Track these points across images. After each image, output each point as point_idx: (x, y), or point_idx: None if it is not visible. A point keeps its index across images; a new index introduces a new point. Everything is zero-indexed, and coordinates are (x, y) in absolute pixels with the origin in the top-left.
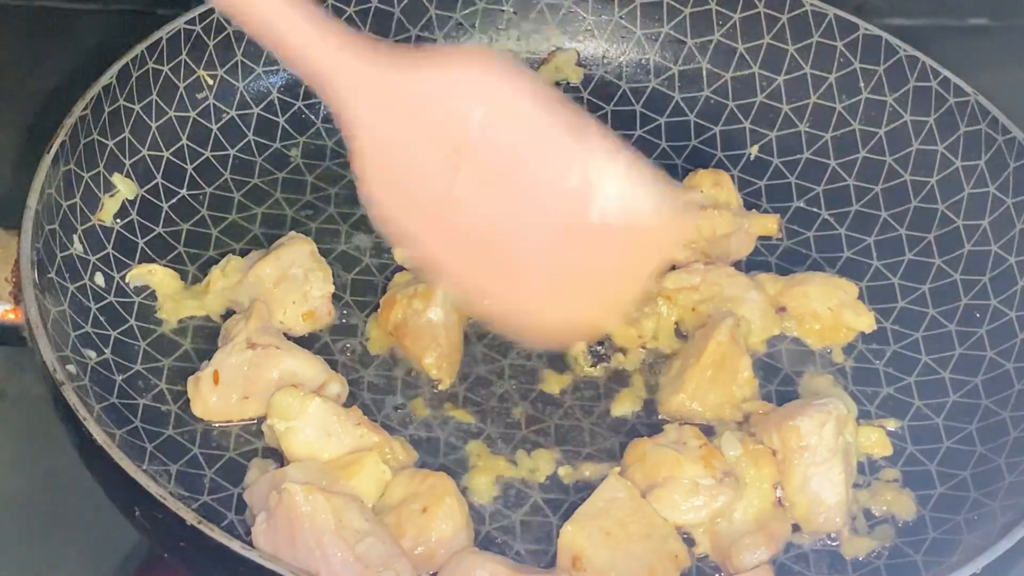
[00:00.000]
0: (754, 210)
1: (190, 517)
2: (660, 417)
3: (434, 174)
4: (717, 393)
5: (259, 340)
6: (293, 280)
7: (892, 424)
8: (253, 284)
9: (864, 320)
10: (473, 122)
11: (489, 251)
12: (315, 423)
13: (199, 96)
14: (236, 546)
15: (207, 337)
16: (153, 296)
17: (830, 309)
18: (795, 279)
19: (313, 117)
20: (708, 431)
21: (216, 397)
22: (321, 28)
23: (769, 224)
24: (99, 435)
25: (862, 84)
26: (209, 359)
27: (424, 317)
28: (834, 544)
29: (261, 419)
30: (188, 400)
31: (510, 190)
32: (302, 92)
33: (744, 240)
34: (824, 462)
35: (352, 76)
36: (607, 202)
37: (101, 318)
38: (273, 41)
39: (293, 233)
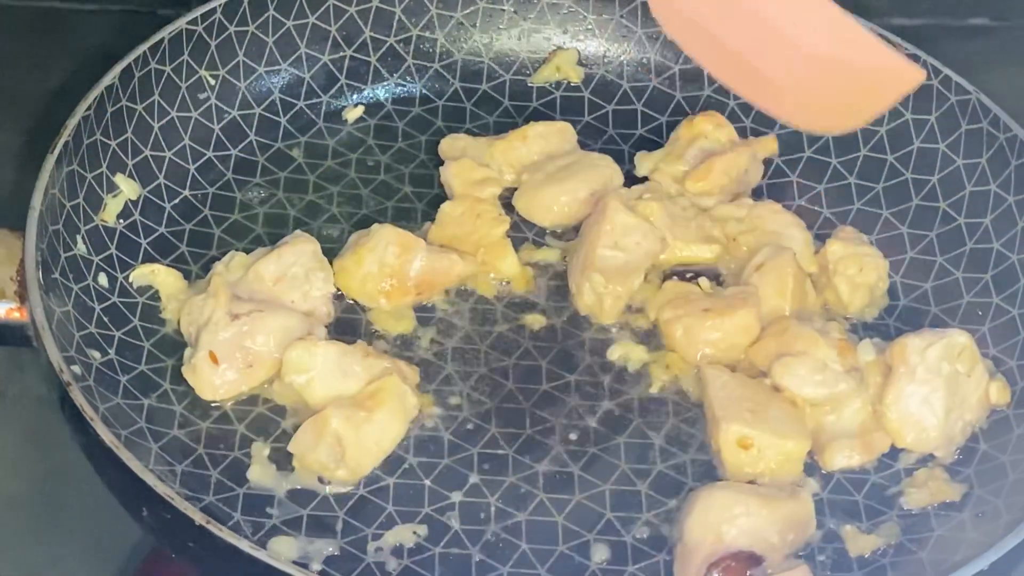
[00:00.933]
0: (750, 136)
1: (198, 517)
2: None
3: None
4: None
5: (239, 309)
6: (293, 279)
7: None
8: (253, 280)
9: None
10: None
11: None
12: (329, 366)
13: (201, 96)
14: (245, 546)
15: None
16: (156, 296)
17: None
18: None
19: (315, 117)
20: None
21: (221, 376)
22: None
23: (769, 144)
24: (106, 436)
25: None
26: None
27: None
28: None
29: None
30: (192, 401)
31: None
32: (303, 92)
33: (756, 167)
34: (924, 383)
35: None
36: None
37: (105, 319)
38: None
39: (298, 232)
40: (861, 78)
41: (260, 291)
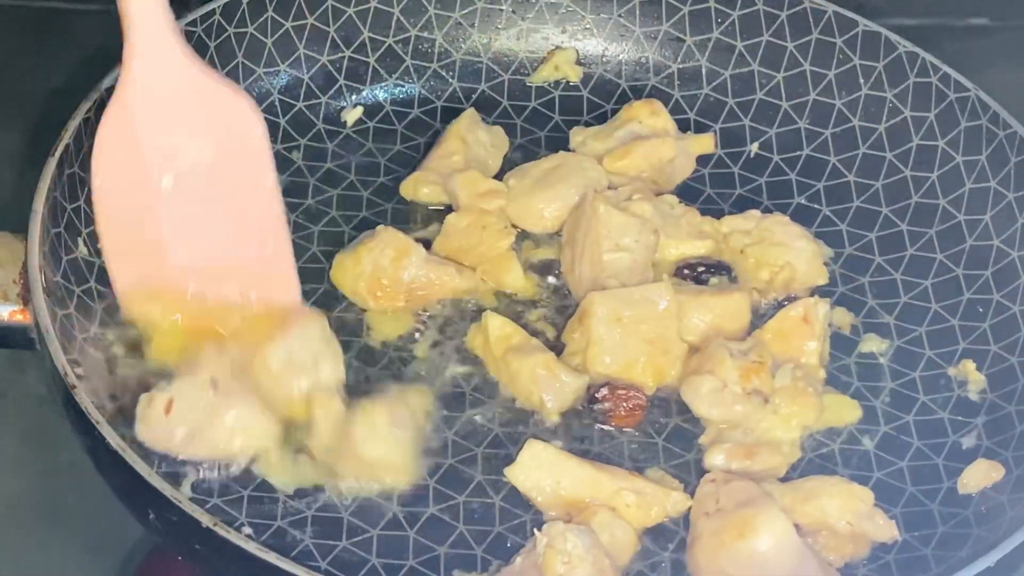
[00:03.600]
0: (689, 132)
1: (206, 520)
2: None
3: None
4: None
5: (223, 384)
6: (301, 366)
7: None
8: (259, 367)
9: (886, 530)
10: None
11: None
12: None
13: None
14: (252, 548)
15: None
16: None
17: (848, 523)
18: (807, 490)
19: (314, 119)
20: None
21: (163, 427)
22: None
23: (705, 142)
24: (113, 438)
25: (862, 80)
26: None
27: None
28: None
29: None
30: None
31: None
32: (302, 93)
33: (685, 162)
34: None
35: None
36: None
37: (108, 321)
38: None
39: (305, 309)
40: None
41: (261, 378)
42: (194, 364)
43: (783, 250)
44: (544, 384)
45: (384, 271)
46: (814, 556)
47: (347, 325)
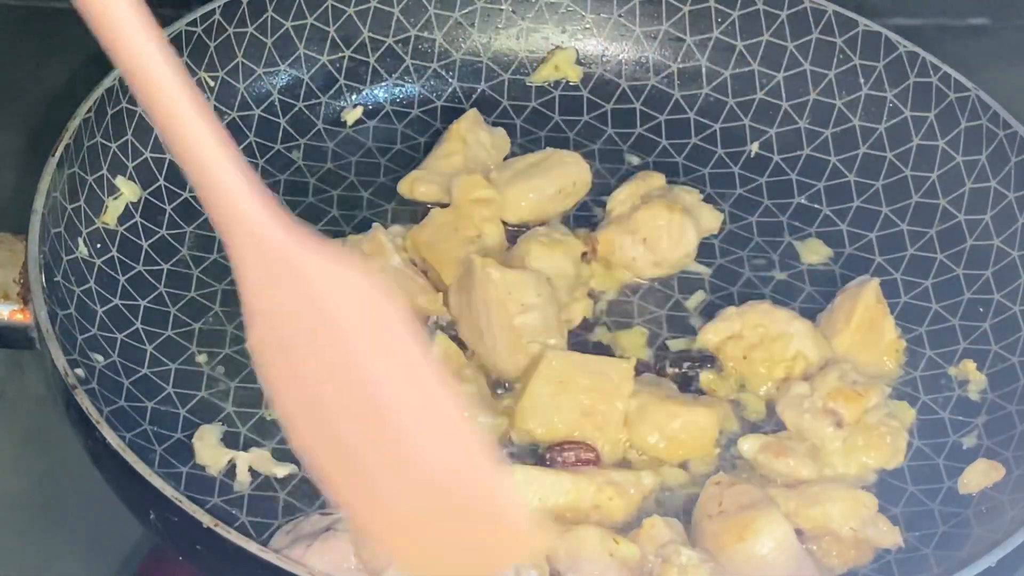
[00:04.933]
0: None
1: (206, 519)
2: None
3: (317, 378)
4: (867, 354)
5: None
6: None
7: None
8: None
9: (889, 536)
10: (355, 346)
11: (359, 473)
12: None
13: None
14: (254, 548)
15: (213, 342)
16: (160, 299)
17: (852, 529)
18: (811, 495)
19: (314, 119)
20: None
21: None
22: (243, 181)
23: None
24: (112, 439)
25: (862, 80)
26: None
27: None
28: None
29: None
30: (196, 403)
31: (379, 427)
32: (302, 93)
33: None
34: None
35: (252, 239)
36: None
37: (108, 321)
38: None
39: None
40: (479, 518)
41: None
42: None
43: (786, 341)
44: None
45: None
46: (813, 562)
47: None
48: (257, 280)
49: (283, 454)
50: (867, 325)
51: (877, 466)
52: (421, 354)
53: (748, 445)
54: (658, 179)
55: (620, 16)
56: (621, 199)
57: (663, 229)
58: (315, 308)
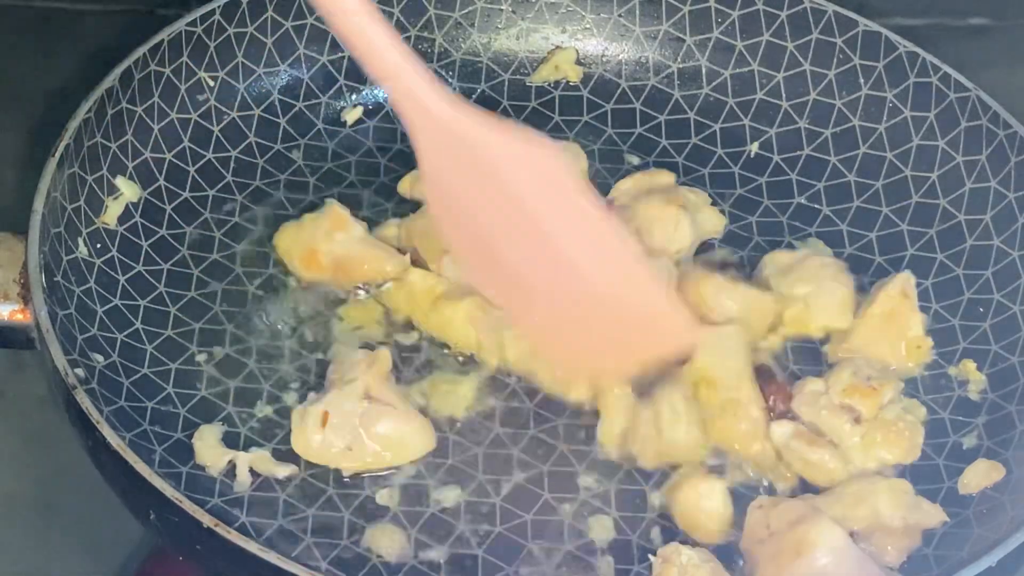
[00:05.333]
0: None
1: (206, 520)
2: None
3: (483, 219)
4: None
5: (378, 394)
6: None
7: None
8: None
9: (934, 515)
10: (525, 198)
11: (522, 290)
12: None
13: (200, 98)
14: (254, 548)
15: (213, 342)
16: (160, 299)
17: (902, 517)
18: (853, 495)
19: (314, 118)
20: None
21: (320, 438)
22: (405, 57)
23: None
24: (113, 439)
25: (862, 80)
26: (314, 391)
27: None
28: None
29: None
30: (197, 403)
31: (546, 254)
32: (303, 92)
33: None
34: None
35: (422, 112)
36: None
37: (107, 321)
38: (363, 55)
39: None
40: (638, 324)
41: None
42: (337, 368)
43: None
44: (481, 325)
45: (318, 242)
46: (873, 561)
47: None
48: (430, 143)
49: (283, 454)
50: (886, 316)
51: (895, 461)
52: (581, 195)
53: (781, 431)
54: (667, 177)
55: (620, 16)
56: (624, 189)
57: (656, 220)
58: (481, 166)
